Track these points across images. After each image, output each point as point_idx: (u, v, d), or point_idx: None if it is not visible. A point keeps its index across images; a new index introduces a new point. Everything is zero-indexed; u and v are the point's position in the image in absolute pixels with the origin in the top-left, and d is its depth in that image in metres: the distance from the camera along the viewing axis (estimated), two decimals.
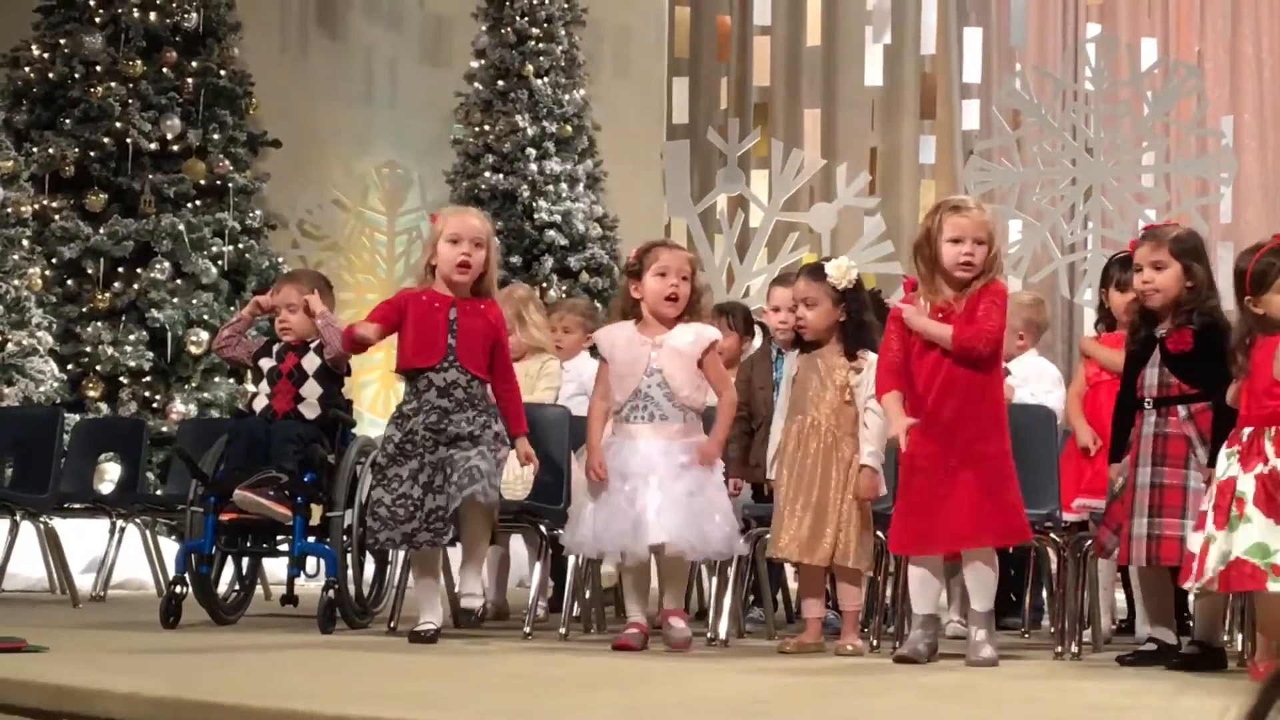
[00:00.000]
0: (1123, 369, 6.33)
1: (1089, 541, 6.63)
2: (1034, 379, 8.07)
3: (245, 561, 7.70)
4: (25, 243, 12.11)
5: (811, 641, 6.57)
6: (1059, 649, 6.50)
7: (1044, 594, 8.15)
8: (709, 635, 6.88)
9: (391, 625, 7.06)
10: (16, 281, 11.83)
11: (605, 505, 6.45)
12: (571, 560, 7.17)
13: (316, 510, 7.17)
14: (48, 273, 12.57)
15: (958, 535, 6.09)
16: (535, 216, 14.63)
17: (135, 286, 12.94)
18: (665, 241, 6.82)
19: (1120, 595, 7.91)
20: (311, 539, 7.14)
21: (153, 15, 13.38)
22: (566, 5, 15.41)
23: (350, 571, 7.27)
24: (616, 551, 6.51)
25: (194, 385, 12.88)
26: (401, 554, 7.06)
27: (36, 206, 12.63)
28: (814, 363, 6.65)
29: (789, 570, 8.64)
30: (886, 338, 6.28)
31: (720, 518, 6.44)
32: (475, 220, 6.73)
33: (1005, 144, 15.79)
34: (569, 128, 15.12)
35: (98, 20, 13.33)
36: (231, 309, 13.17)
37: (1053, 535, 6.76)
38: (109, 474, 10.97)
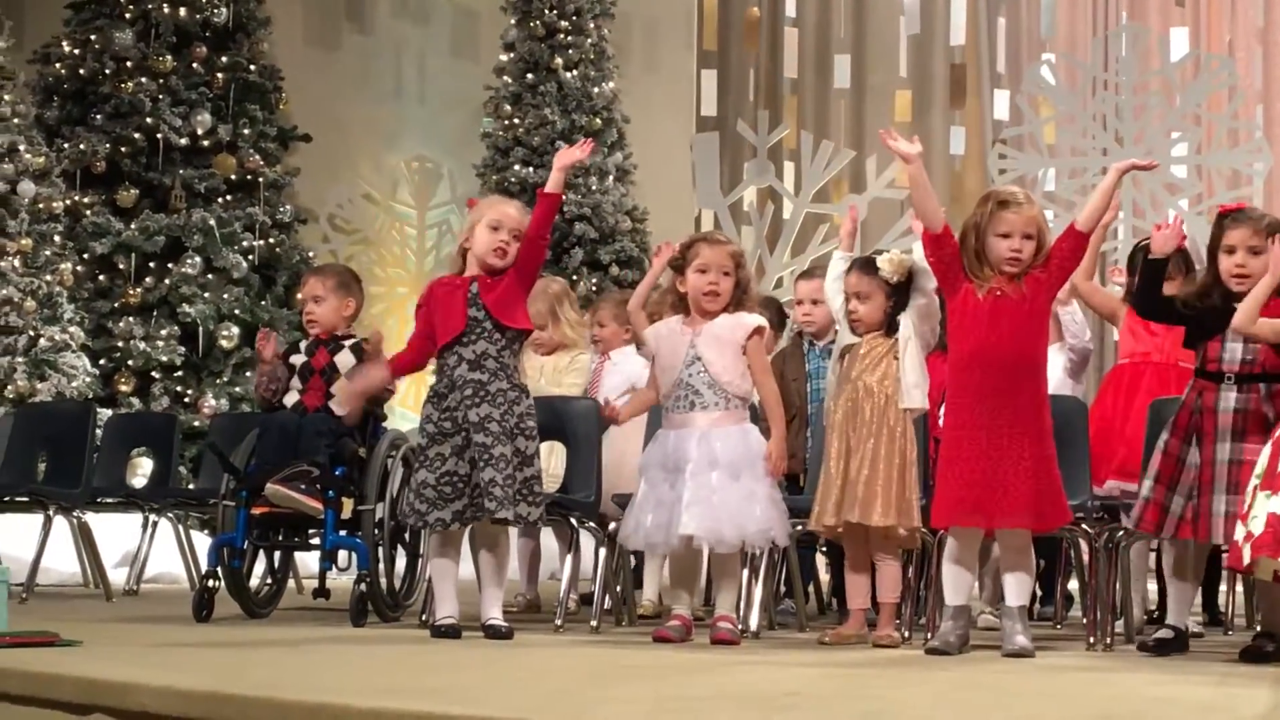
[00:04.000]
0: (1187, 331, 6.27)
1: (1120, 531, 6.60)
2: (1058, 383, 8.04)
3: (277, 555, 7.71)
4: (57, 238, 12.16)
5: (853, 633, 6.55)
6: (1091, 639, 6.47)
7: (1075, 584, 8.13)
8: (740, 627, 6.87)
9: (423, 618, 7.06)
10: (48, 277, 11.88)
11: (650, 497, 6.45)
12: (602, 553, 7.17)
13: (348, 504, 7.17)
14: (79, 268, 12.62)
15: (1006, 512, 6.04)
16: (565, 209, 14.64)
17: (166, 281, 12.99)
18: (708, 235, 6.79)
19: (1152, 585, 7.88)
20: (343, 533, 7.14)
21: (183, 11, 13.42)
22: None
23: (382, 565, 7.28)
24: (654, 543, 6.50)
25: (225, 380, 12.93)
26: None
27: (68, 202, 12.67)
28: (864, 346, 6.64)
29: (820, 562, 8.63)
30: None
31: (761, 509, 6.41)
32: (515, 211, 6.71)
33: (1033, 131, 15.74)
34: (598, 120, 15.13)
35: (128, 16, 13.38)
36: (262, 303, 13.21)
37: (1084, 525, 6.74)
38: (141, 468, 11.01)
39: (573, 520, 7.27)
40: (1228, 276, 6.10)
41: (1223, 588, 7.83)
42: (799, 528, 6.98)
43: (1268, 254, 5.98)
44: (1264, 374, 6.03)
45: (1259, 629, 6.19)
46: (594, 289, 14.13)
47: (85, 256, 12.90)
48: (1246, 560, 5.56)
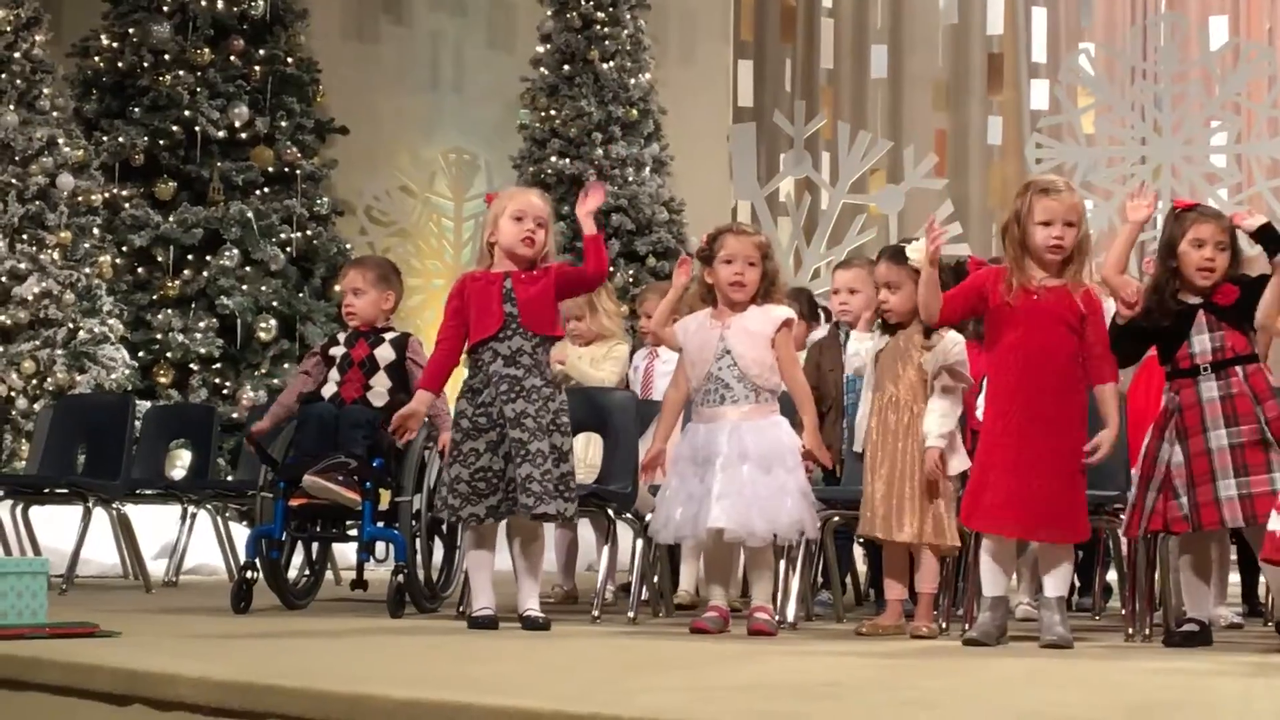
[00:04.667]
0: (1147, 340, 6.29)
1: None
2: None
3: (315, 546, 7.73)
4: (95, 231, 12.21)
5: (890, 624, 6.54)
6: (1130, 630, 6.46)
7: (1112, 575, 8.10)
8: (777, 618, 6.86)
9: (461, 609, 7.07)
10: (87, 270, 11.93)
11: (681, 491, 6.44)
12: (639, 544, 7.16)
13: (385, 495, 7.18)
14: (118, 261, 12.68)
15: (1027, 525, 6.06)
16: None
17: (204, 274, 13.04)
18: (734, 226, 6.74)
19: None
20: (380, 524, 7.15)
21: (220, 4, 13.47)
22: None
23: (419, 556, 7.29)
24: (684, 536, 6.51)
25: (263, 371, 12.97)
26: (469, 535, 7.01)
27: (106, 195, 12.73)
28: (896, 343, 6.63)
29: (858, 552, 8.62)
30: (969, 281, 6.26)
31: (792, 501, 6.40)
32: (537, 200, 6.69)
33: (1071, 120, 15.69)
34: (635, 112, 15.13)
35: (166, 9, 13.44)
36: (300, 295, 13.24)
37: (1122, 516, 6.71)
38: (180, 460, 11.06)
39: (610, 512, 7.27)
40: (1193, 270, 6.12)
41: (1262, 579, 7.80)
42: (835, 519, 6.97)
43: (1228, 249, 6.11)
44: (1236, 358, 6.09)
45: (1278, 618, 6.19)
46: (631, 280, 14.13)
47: (124, 249, 12.96)
48: None
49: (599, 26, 15.13)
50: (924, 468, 6.46)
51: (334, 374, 7.34)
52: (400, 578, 7.01)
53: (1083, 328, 6.09)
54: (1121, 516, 6.70)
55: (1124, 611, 6.74)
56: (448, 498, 6.45)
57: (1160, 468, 6.10)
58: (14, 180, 11.70)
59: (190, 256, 13.15)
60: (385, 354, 7.31)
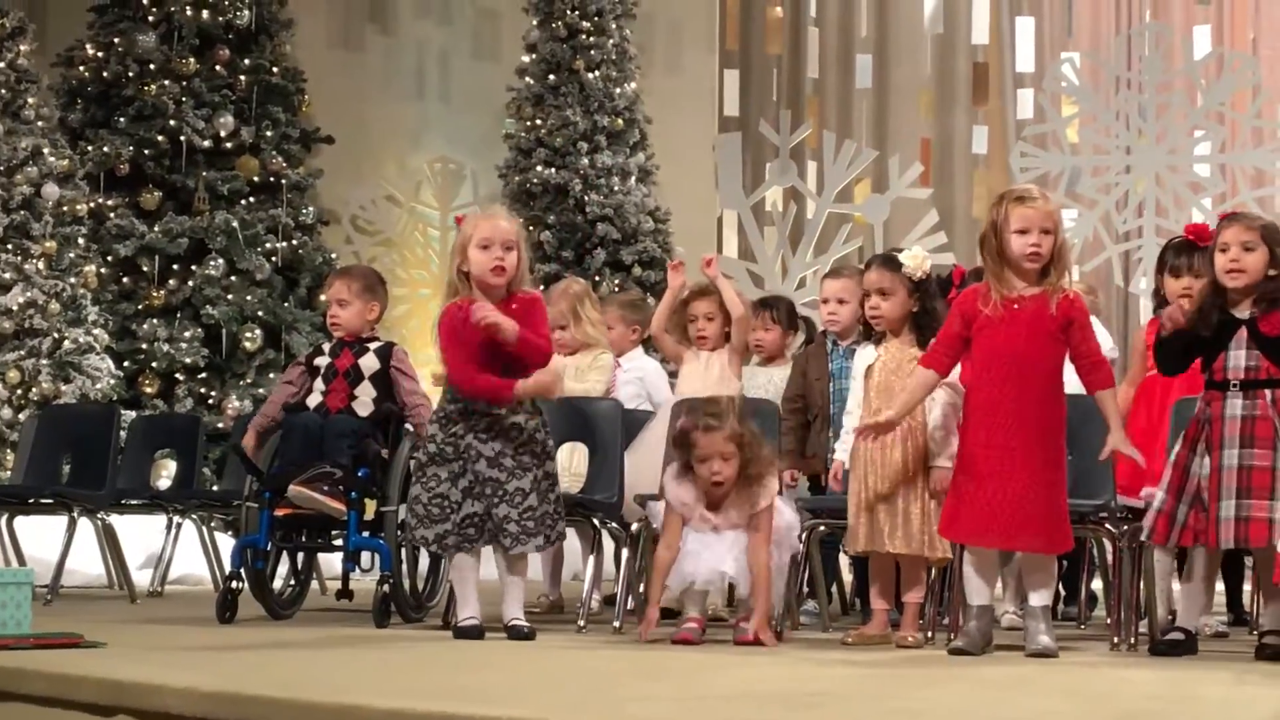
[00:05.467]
0: (1192, 351, 6.28)
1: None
2: None
3: (300, 556, 7.72)
4: (81, 240, 12.20)
5: (876, 633, 6.54)
6: (1115, 640, 6.47)
7: (1098, 584, 8.11)
8: None
9: (446, 619, 7.07)
10: (73, 279, 11.92)
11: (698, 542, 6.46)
12: (625, 554, 7.16)
13: (371, 505, 7.18)
14: (103, 270, 12.66)
15: (1008, 535, 6.06)
16: (587, 210, 14.65)
17: (190, 283, 13.03)
18: (703, 421, 6.48)
19: (1177, 586, 7.86)
20: (366, 534, 7.15)
21: (205, 13, 13.46)
22: None
23: (405, 566, 7.29)
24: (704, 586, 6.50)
25: (249, 381, 12.96)
26: None
27: (92, 204, 12.71)
28: (890, 357, 6.62)
29: (844, 562, 8.63)
30: (950, 318, 6.26)
31: (782, 519, 6.43)
32: (504, 222, 6.60)
33: (1056, 129, 15.72)
34: (620, 121, 15.13)
35: (151, 19, 13.42)
36: (285, 305, 13.23)
37: (1108, 526, 6.72)
38: (165, 470, 11.04)
39: (595, 521, 7.28)
40: (1222, 273, 6.12)
41: (1247, 587, 7.81)
42: (821, 529, 6.98)
43: (1261, 249, 6.04)
44: (1269, 380, 6.06)
45: (1264, 626, 6.19)
46: (617, 289, 14.13)
47: (109, 259, 12.94)
48: None
49: (584, 36, 15.13)
50: (932, 488, 6.45)
51: (319, 384, 7.33)
52: (385, 587, 7.00)
53: (1066, 335, 6.10)
54: (1108, 526, 6.72)
55: (1109, 620, 6.75)
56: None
57: (1192, 480, 6.09)
58: None
59: (175, 266, 13.13)
60: (370, 363, 7.30)
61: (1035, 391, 6.06)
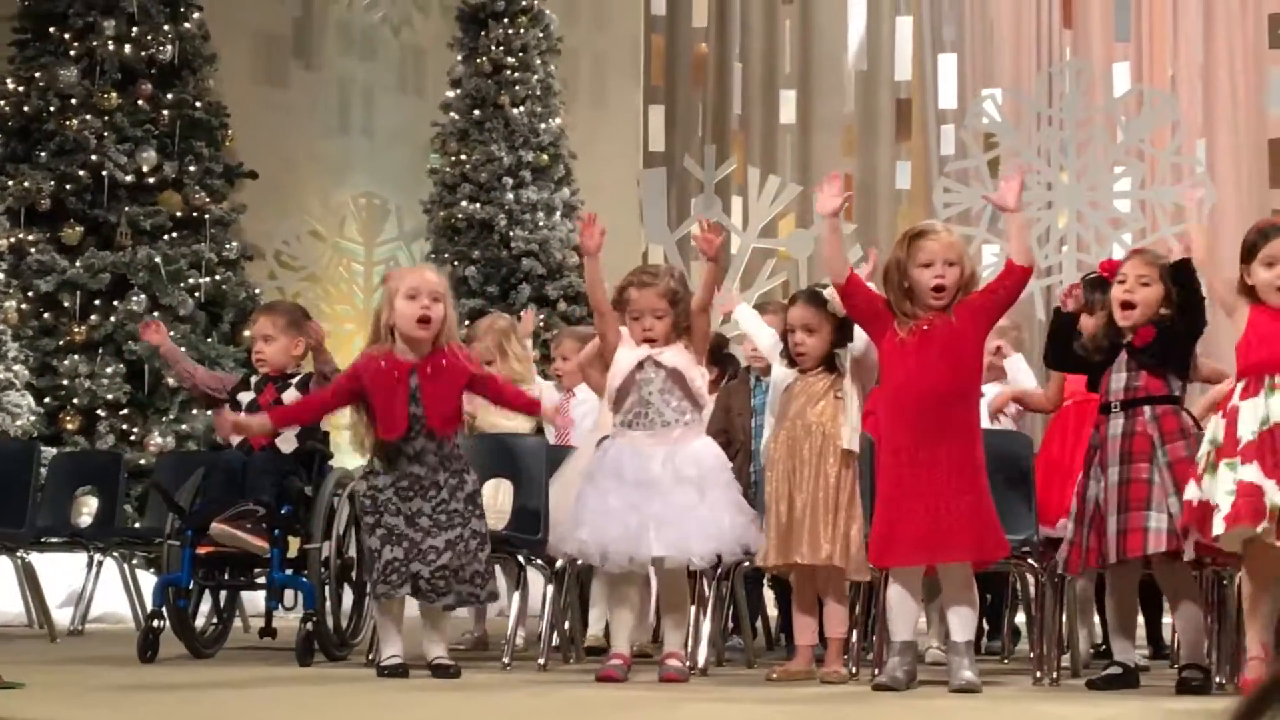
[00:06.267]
0: (1089, 377, 6.44)
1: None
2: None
3: (223, 594, 7.67)
4: (1, 276, 12.09)
5: (801, 669, 6.54)
6: (1038, 673, 6.49)
7: (1021, 618, 8.15)
8: (688, 663, 6.85)
9: (370, 657, 7.03)
10: None
11: (604, 509, 6.39)
12: (549, 590, 7.15)
13: (294, 543, 7.15)
14: (24, 306, 12.55)
15: (948, 547, 6.07)
16: (512, 245, 14.65)
17: (112, 319, 12.93)
18: (638, 278, 6.66)
19: (1098, 619, 7.91)
20: (289, 571, 7.11)
21: (128, 48, 13.38)
22: (542, 34, 15.44)
23: (328, 604, 7.25)
24: (613, 556, 6.39)
25: (171, 417, 12.86)
26: None
27: (12, 240, 12.62)
28: (802, 387, 6.63)
29: (768, 597, 8.63)
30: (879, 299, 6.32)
31: (730, 518, 6.38)
32: (431, 275, 6.62)
33: (977, 166, 15.83)
34: (545, 156, 15.15)
35: (73, 53, 13.34)
36: (209, 340, 13.15)
37: (1030, 560, 6.76)
38: (86, 507, 10.93)
39: (520, 558, 7.26)
40: (1115, 303, 6.24)
41: (1166, 620, 7.86)
42: (745, 564, 6.99)
43: (1157, 286, 6.13)
44: (1147, 398, 6.18)
45: (1183, 661, 6.25)
46: (541, 324, 14.12)
47: (30, 294, 12.84)
48: (1219, 531, 5.67)
49: (509, 71, 15.15)
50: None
51: None
52: (309, 625, 6.97)
53: (981, 309, 6.16)
54: (1030, 560, 6.76)
55: (1032, 654, 6.78)
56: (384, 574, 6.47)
57: (1089, 505, 6.18)
58: None
59: (97, 301, 13.04)
60: (291, 396, 7.27)
61: (948, 407, 6.10)
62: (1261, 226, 6.08)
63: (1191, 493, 5.83)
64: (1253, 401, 5.78)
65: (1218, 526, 5.69)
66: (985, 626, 8.31)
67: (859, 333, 6.52)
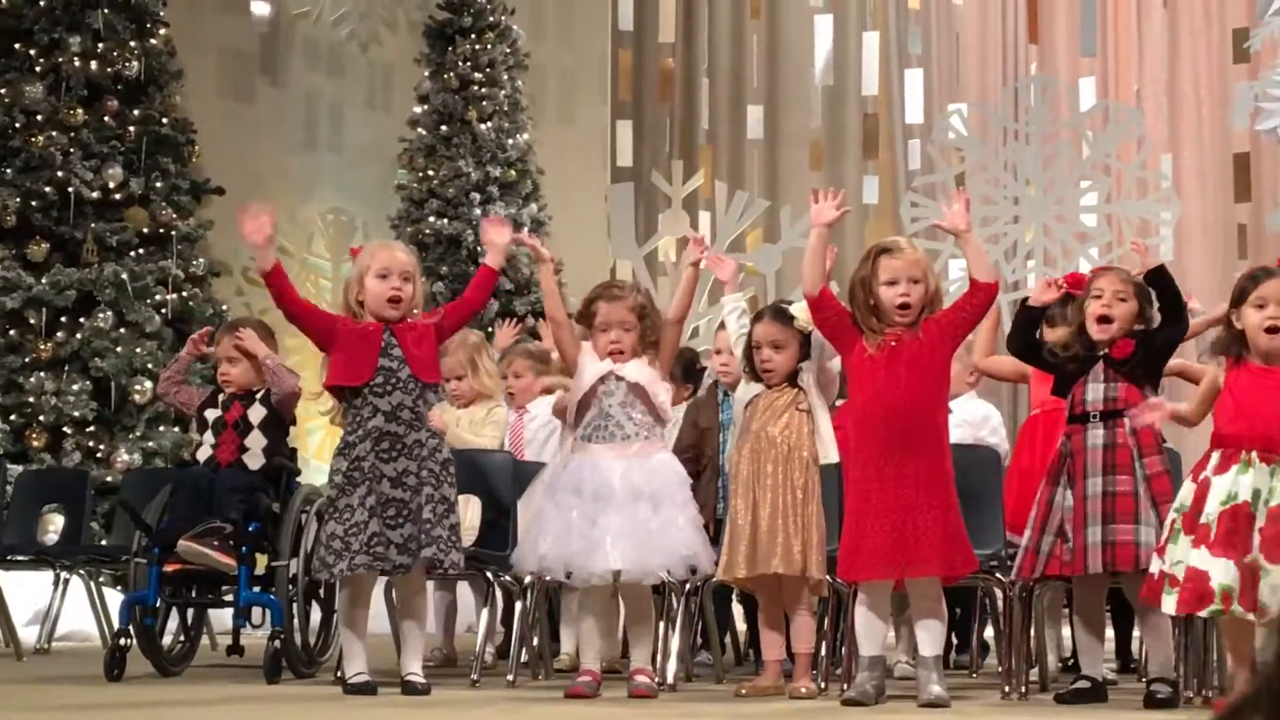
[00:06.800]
0: (1055, 379, 6.46)
1: (1035, 580, 6.66)
2: (976, 423, 8.14)
3: (190, 612, 7.65)
4: None
5: (770, 684, 6.54)
6: (1006, 688, 6.50)
7: (990, 632, 8.17)
8: (657, 679, 6.85)
9: (338, 675, 7.01)
10: None
11: (564, 523, 6.37)
12: (519, 606, 7.14)
13: (261, 560, 7.13)
14: None
15: (916, 562, 6.08)
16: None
17: (78, 336, 12.88)
18: (607, 291, 6.72)
19: (1067, 632, 7.93)
20: (257, 589, 7.09)
21: (94, 64, 13.34)
22: (509, 50, 15.45)
23: (296, 621, 7.23)
24: (577, 571, 6.38)
25: (138, 435, 12.82)
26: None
27: None
28: (766, 402, 6.65)
29: (737, 612, 8.64)
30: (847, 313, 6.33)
31: (684, 536, 6.38)
32: (402, 254, 6.67)
33: (944, 180, 15.87)
34: (513, 172, 15.14)
35: (38, 69, 13.29)
36: (175, 357, 13.10)
37: (998, 574, 6.78)
38: (52, 525, 10.88)
39: (489, 574, 7.25)
40: (1092, 320, 6.27)
41: (1135, 634, 7.89)
42: (714, 579, 6.99)
43: (1132, 302, 6.19)
44: (1126, 409, 6.22)
45: (1152, 674, 6.26)
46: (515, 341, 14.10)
47: None
48: (1169, 611, 5.70)
49: (476, 87, 15.15)
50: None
51: (209, 436, 7.29)
52: (277, 643, 6.95)
53: (948, 325, 6.16)
54: (998, 575, 6.77)
55: (1001, 668, 6.80)
56: (325, 556, 6.41)
57: (1055, 513, 6.20)
58: None
59: (64, 318, 12.99)
60: (257, 412, 7.28)
61: (916, 422, 6.11)
62: (1252, 271, 6.08)
63: (1155, 565, 5.82)
64: (1223, 478, 5.75)
65: (1168, 606, 5.73)
66: (954, 640, 8.33)
67: (816, 347, 6.55)
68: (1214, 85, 16.90)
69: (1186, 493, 5.81)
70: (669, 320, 6.59)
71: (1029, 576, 6.37)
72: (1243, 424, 5.78)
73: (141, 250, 13.35)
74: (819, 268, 6.31)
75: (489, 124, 15.11)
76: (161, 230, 13.46)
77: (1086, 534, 6.11)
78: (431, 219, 14.86)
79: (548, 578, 6.72)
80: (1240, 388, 5.83)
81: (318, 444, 14.54)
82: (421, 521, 6.36)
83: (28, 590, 9.86)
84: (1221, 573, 5.57)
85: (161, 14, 13.74)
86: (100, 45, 13.35)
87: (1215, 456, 5.81)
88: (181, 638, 7.68)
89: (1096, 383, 6.28)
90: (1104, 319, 6.29)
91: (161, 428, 12.75)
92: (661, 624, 6.99)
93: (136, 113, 13.54)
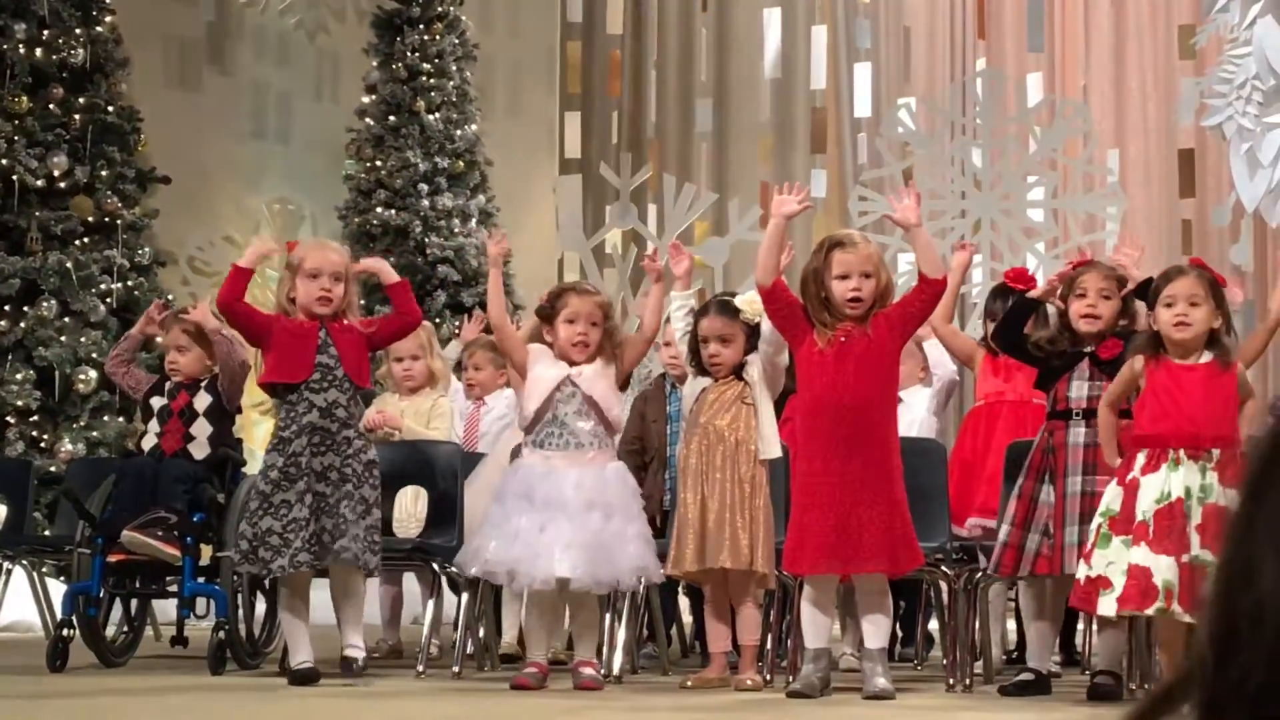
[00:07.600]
0: (1039, 373, 6.47)
1: (980, 573, 6.68)
2: (923, 421, 8.16)
3: (134, 603, 7.62)
4: None
5: (715, 677, 6.55)
6: (951, 680, 6.53)
7: (934, 624, 8.20)
8: (603, 671, 6.85)
9: (283, 666, 7.00)
10: None
11: (512, 528, 6.38)
12: (464, 597, 7.13)
13: (206, 550, 7.10)
14: None
15: (862, 558, 6.09)
16: (427, 252, 14.61)
17: (22, 325, 12.80)
18: (577, 286, 6.80)
19: (1011, 625, 7.97)
20: (201, 579, 7.07)
21: (39, 51, 13.26)
22: (458, 41, 15.41)
23: (240, 612, 7.21)
24: (520, 575, 6.40)
25: (82, 424, 12.75)
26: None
27: None
28: (715, 394, 6.65)
29: (684, 604, 8.64)
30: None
31: (634, 547, 6.40)
32: (334, 255, 6.70)
33: (893, 174, 15.91)
34: (461, 163, 15.11)
35: None
36: None
37: (944, 567, 6.80)
38: None
39: (434, 566, 7.24)
40: (1077, 318, 6.28)
41: (1079, 627, 7.92)
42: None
43: (1116, 299, 6.22)
44: None
45: (1097, 667, 6.30)
46: (457, 332, 14.09)
47: None
48: (1109, 613, 5.70)
49: (425, 78, 15.11)
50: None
51: (154, 425, 7.26)
52: (222, 634, 6.92)
53: (897, 319, 6.18)
54: (944, 568, 6.79)
55: (945, 661, 6.82)
56: (263, 553, 6.40)
57: (1039, 509, 6.20)
58: None
59: (7, 307, 12.90)
60: (202, 400, 7.25)
61: (864, 417, 6.12)
62: (1165, 270, 6.13)
63: (1081, 571, 5.83)
64: (1153, 477, 5.77)
65: (1106, 607, 5.72)
66: (899, 633, 8.35)
67: (762, 341, 6.57)
68: (1160, 81, 17.00)
69: (1113, 496, 5.83)
70: (640, 338, 6.65)
71: (1010, 574, 6.37)
72: (1168, 423, 5.80)
73: (86, 239, 13.27)
74: (774, 258, 6.30)
75: (437, 115, 15.08)
76: (107, 219, 13.39)
77: (1064, 533, 6.12)
78: (379, 210, 14.82)
79: (491, 582, 6.75)
80: (1161, 386, 5.85)
81: (264, 435, 14.46)
82: (338, 517, 6.37)
83: None
84: (1165, 569, 5.60)
85: (108, 1, 13.65)
86: (46, 32, 13.26)
87: (1141, 457, 5.83)
88: (125, 628, 7.65)
89: (1081, 380, 6.28)
90: (1090, 317, 6.29)
91: (106, 417, 12.68)
92: (608, 616, 6.99)
93: (82, 101, 13.46)
